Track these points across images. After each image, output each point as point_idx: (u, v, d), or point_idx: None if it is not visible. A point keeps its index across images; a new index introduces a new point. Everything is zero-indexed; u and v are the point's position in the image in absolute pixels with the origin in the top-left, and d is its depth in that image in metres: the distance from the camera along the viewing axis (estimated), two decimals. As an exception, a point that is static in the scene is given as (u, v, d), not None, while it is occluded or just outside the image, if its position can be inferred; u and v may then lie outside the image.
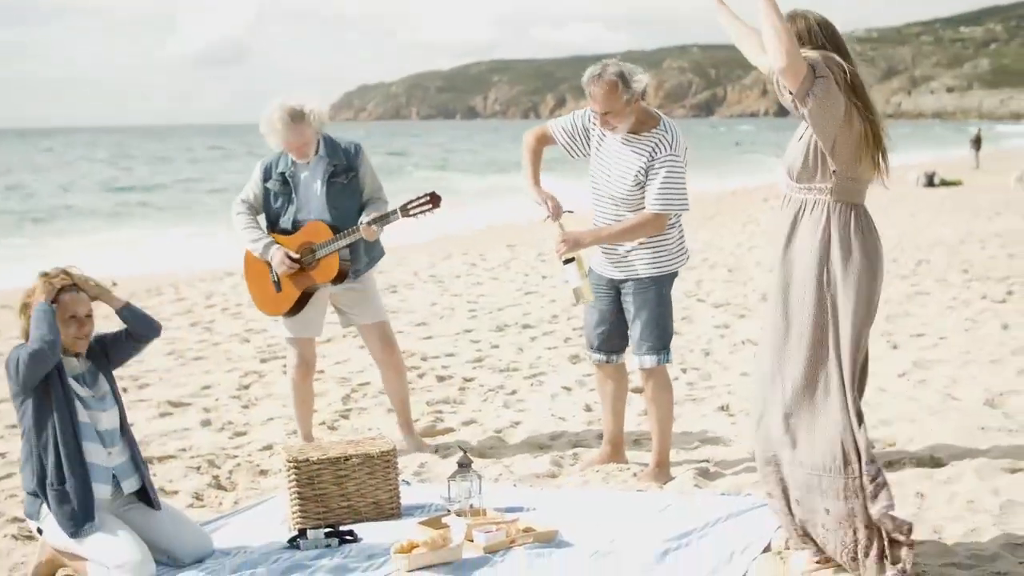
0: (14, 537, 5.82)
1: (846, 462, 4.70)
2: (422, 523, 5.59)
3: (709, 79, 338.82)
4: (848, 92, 4.72)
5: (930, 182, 33.41)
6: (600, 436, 7.44)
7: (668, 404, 6.65)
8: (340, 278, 7.07)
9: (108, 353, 5.42)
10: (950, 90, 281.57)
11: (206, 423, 8.16)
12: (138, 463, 5.36)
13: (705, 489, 6.34)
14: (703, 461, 6.91)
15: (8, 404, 8.65)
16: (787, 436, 4.79)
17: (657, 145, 6.31)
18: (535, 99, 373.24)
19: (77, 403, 5.13)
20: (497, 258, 18.20)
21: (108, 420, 5.24)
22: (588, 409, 8.24)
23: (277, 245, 7.05)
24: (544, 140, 6.72)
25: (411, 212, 6.97)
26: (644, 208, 6.33)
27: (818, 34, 4.78)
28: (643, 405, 8.11)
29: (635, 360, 6.57)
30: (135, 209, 33.61)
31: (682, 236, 6.54)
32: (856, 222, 4.80)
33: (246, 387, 9.32)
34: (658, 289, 6.47)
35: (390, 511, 5.93)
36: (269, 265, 7.12)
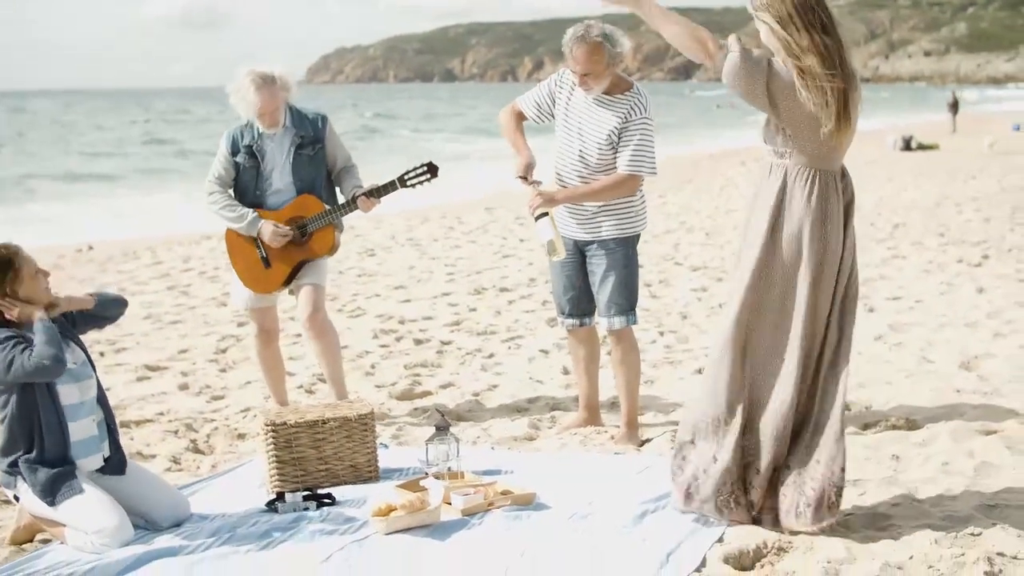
0: (-9, 502, 5.80)
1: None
2: (400, 486, 5.60)
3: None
4: (797, 68, 4.74)
5: (907, 146, 33.48)
6: (578, 399, 7.45)
7: (636, 365, 6.70)
8: (333, 251, 7.03)
9: (75, 321, 5.37)
10: (927, 54, 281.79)
11: (183, 387, 8.14)
12: (112, 427, 5.35)
13: (682, 452, 6.36)
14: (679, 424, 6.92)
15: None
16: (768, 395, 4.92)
17: (632, 107, 6.36)
18: (513, 62, 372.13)
19: (60, 384, 5.10)
20: (475, 221, 18.17)
21: (90, 388, 5.23)
22: (566, 372, 8.25)
23: (264, 220, 6.96)
24: (518, 116, 6.71)
25: (409, 183, 6.96)
26: (616, 169, 6.38)
27: None
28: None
29: (604, 322, 6.59)
30: (111, 172, 33.38)
31: (644, 199, 6.60)
32: (812, 187, 4.86)
33: (223, 351, 9.30)
34: (624, 251, 6.51)
35: (368, 474, 5.94)
36: (254, 242, 7.05)
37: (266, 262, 7.03)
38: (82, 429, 5.18)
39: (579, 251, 6.60)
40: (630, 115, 6.34)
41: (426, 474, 5.74)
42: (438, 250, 15.04)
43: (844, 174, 4.98)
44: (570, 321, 6.76)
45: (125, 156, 41.61)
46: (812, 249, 4.85)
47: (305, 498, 5.53)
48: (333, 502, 5.57)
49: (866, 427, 6.69)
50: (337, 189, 7.15)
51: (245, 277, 7.11)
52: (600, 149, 6.39)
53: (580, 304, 6.70)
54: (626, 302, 6.53)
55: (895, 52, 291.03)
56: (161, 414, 7.47)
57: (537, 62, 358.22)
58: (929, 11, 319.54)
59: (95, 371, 5.32)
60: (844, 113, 4.79)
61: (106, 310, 5.48)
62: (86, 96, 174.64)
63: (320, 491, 5.68)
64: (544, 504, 5.45)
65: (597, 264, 6.54)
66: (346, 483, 5.87)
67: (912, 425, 6.70)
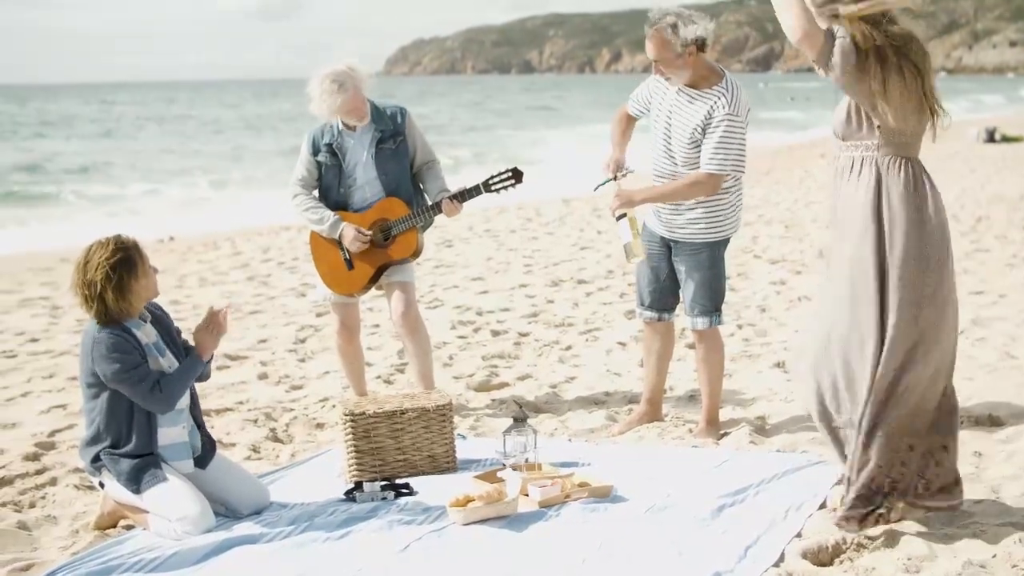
0: (76, 487, 5.89)
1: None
2: (477, 477, 5.62)
3: (766, 33, 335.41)
4: (884, 52, 4.67)
5: (991, 138, 32.97)
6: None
7: (719, 365, 6.63)
8: (417, 254, 7.05)
9: (170, 330, 5.44)
10: (1013, 44, 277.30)
11: (263, 376, 8.22)
12: (200, 423, 5.42)
13: (761, 446, 6.33)
14: (758, 418, 6.89)
15: (68, 357, 8.76)
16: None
17: (716, 103, 6.16)
18: (591, 53, 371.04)
19: None
20: (552, 213, 18.18)
21: (185, 398, 5.30)
22: (643, 365, 8.21)
23: (346, 223, 6.97)
24: (627, 116, 6.67)
25: (493, 187, 6.98)
26: (699, 167, 6.25)
27: None
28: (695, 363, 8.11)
29: (688, 321, 6.55)
30: (190, 165, 33.74)
31: (739, 201, 6.45)
32: (906, 175, 4.78)
33: (302, 341, 9.37)
34: (711, 252, 6.42)
35: (446, 465, 5.96)
36: (338, 243, 7.07)
37: (349, 264, 7.03)
38: (172, 435, 5.25)
39: (667, 245, 6.54)
40: (713, 111, 6.15)
41: (504, 465, 5.75)
42: (516, 242, 15.05)
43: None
44: (648, 314, 6.70)
45: (198, 152, 42.05)
46: (912, 238, 4.75)
47: (383, 488, 5.56)
48: (411, 492, 5.59)
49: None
50: (426, 197, 7.17)
51: (328, 279, 7.12)
52: (685, 146, 6.25)
53: (662, 298, 6.64)
54: (710, 303, 6.46)
55: (979, 42, 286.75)
56: (241, 403, 7.54)
57: (615, 53, 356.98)
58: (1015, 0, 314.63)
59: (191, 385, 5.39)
60: (921, 96, 4.74)
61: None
62: (161, 87, 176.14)
63: (398, 481, 5.71)
64: (621, 496, 5.44)
65: (682, 263, 6.47)
66: (424, 473, 5.90)
67: (995, 422, 6.61)
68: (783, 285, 11.29)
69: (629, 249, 6.29)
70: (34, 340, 9.63)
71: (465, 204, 7.00)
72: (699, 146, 6.21)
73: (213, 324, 5.32)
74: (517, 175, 7.01)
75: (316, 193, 7.13)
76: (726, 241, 6.48)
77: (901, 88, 4.70)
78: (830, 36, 4.69)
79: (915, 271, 4.74)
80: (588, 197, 19.40)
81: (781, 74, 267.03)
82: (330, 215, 6.98)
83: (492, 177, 7.02)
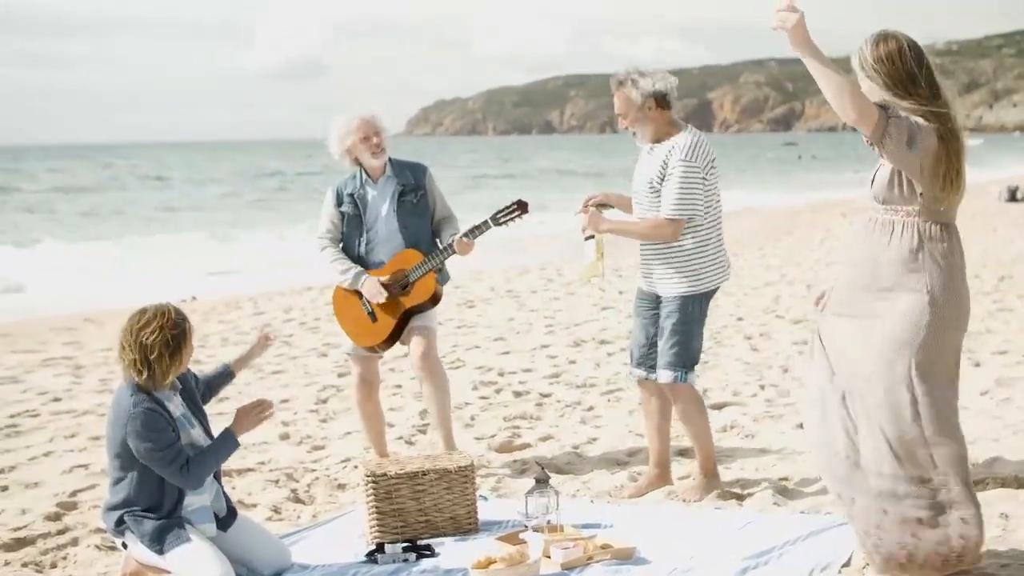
0: (97, 548, 5.89)
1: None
2: (499, 539, 5.59)
3: (786, 93, 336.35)
4: (936, 130, 4.74)
5: (1013, 197, 32.92)
6: (680, 452, 7.41)
7: (698, 420, 6.57)
8: (435, 299, 7.10)
9: (202, 392, 5.49)
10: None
11: (284, 437, 8.22)
12: (220, 485, 5.43)
13: (784, 507, 6.29)
14: (782, 479, 6.85)
15: (91, 416, 8.78)
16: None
17: (670, 151, 6.31)
18: (612, 113, 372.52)
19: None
20: (574, 273, 18.19)
21: None
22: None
23: (368, 275, 7.05)
24: None
25: (501, 221, 7.03)
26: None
27: (907, 57, 4.78)
28: (721, 421, 8.10)
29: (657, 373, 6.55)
30: (211, 226, 33.89)
31: (717, 254, 6.46)
32: (943, 239, 4.86)
33: (324, 401, 9.38)
34: (684, 306, 6.42)
35: (467, 526, 5.94)
36: (360, 298, 7.13)
37: (372, 316, 7.10)
38: (198, 501, 5.26)
39: (655, 303, 6.56)
40: (668, 158, 6.29)
41: (526, 527, 5.72)
42: (537, 302, 15.06)
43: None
44: (637, 372, 6.69)
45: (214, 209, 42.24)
46: (946, 304, 4.82)
47: (405, 549, 5.55)
48: (432, 554, 5.58)
49: (975, 484, 6.55)
50: (438, 241, 7.22)
51: (352, 333, 7.20)
52: (646, 195, 6.40)
53: (650, 356, 6.62)
54: (677, 358, 6.42)
55: (999, 101, 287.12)
56: (262, 463, 7.54)
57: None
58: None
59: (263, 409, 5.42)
60: (960, 172, 4.80)
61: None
62: (175, 148, 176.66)
63: (420, 542, 5.69)
64: (644, 559, 5.41)
65: (661, 317, 6.51)
66: (446, 535, 5.88)
67: (1021, 483, 6.56)
68: (805, 345, 11.23)
69: (588, 268, 6.49)
70: (57, 400, 9.65)
71: (476, 241, 7.07)
72: (658, 194, 6.34)
73: (259, 408, 5.34)
74: (522, 206, 7.07)
75: (341, 247, 7.21)
76: (704, 296, 6.46)
77: (947, 164, 4.76)
78: (883, 113, 4.73)
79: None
80: (610, 257, 19.39)
81: (803, 134, 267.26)
82: (354, 267, 7.09)
83: (499, 211, 7.08)
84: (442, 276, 7.23)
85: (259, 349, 5.88)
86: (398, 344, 7.24)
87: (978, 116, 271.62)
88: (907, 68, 4.77)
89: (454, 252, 7.01)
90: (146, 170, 77.55)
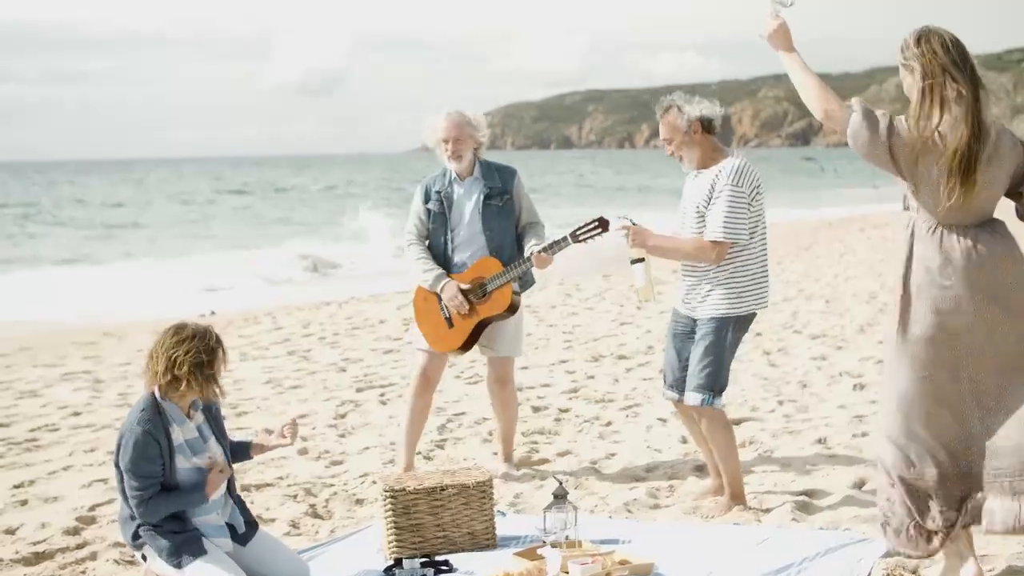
0: (116, 562, 5.90)
1: None
2: (517, 554, 5.58)
3: (805, 108, 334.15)
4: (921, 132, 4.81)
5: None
6: (698, 468, 7.41)
7: (725, 442, 6.57)
8: (512, 310, 7.14)
9: (221, 426, 5.47)
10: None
11: (303, 452, 8.23)
12: (238, 504, 5.41)
13: (803, 523, 6.27)
14: (801, 495, 6.83)
15: (110, 431, 8.81)
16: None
17: (717, 175, 6.35)
18: (630, 128, 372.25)
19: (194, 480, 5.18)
20: (592, 288, 18.19)
21: (222, 488, 5.29)
22: (684, 441, 8.18)
23: (449, 279, 7.12)
24: None
25: (580, 238, 7.04)
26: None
27: (950, 49, 4.86)
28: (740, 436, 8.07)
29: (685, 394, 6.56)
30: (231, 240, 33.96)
31: (758, 280, 6.48)
32: (936, 243, 4.90)
33: (343, 416, 9.39)
34: (719, 329, 6.42)
35: (485, 541, 5.93)
36: (439, 303, 7.20)
37: (449, 322, 7.19)
38: (207, 521, 5.23)
39: (691, 326, 6.57)
40: (716, 182, 6.33)
41: (544, 542, 5.71)
42: (555, 317, 15.06)
43: (983, 228, 4.95)
44: (670, 393, 6.73)
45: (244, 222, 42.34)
46: (932, 307, 4.89)
47: (423, 564, 5.54)
48: (450, 569, 5.57)
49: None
50: (522, 249, 7.31)
51: (430, 337, 7.29)
52: (692, 220, 6.42)
53: (682, 380, 6.63)
54: (705, 380, 6.44)
55: (1019, 115, 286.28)
56: (281, 478, 7.55)
57: (654, 129, 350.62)
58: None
59: (231, 466, 5.38)
60: (969, 173, 4.77)
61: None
62: (205, 162, 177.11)
63: (438, 558, 5.68)
64: (662, 574, 5.39)
65: (696, 339, 6.51)
66: (464, 550, 5.86)
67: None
68: (824, 361, 11.23)
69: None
70: (76, 414, 9.69)
71: (556, 256, 7.11)
72: (704, 219, 6.37)
73: (223, 469, 5.26)
74: (603, 224, 7.06)
75: (428, 244, 7.31)
76: (740, 321, 6.47)
77: (934, 177, 4.81)
78: (848, 110, 4.89)
79: None
80: (628, 272, 19.39)
81: (822, 148, 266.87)
82: (436, 269, 7.18)
83: (579, 228, 7.08)
84: (524, 282, 7.31)
85: (282, 441, 5.66)
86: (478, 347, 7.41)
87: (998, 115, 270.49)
88: (948, 60, 4.82)
89: (532, 265, 7.06)
90: (168, 186, 77.71)
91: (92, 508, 6.94)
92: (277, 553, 5.40)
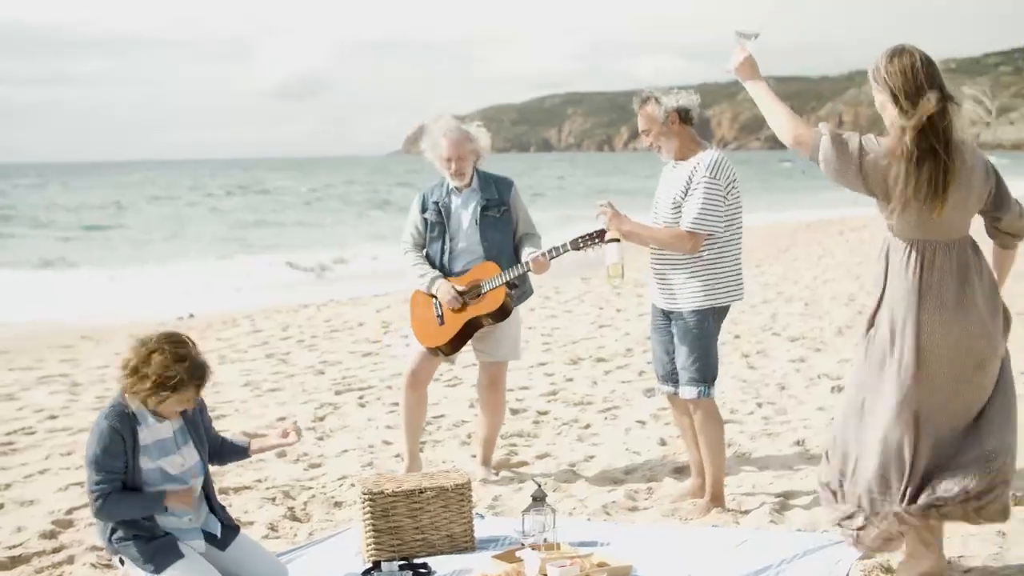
0: (93, 566, 5.88)
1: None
2: (496, 557, 5.59)
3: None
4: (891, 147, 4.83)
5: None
6: (676, 470, 7.42)
7: (716, 436, 6.61)
8: (504, 310, 7.16)
9: (207, 429, 5.42)
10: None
11: (281, 455, 8.20)
12: (214, 508, 5.38)
13: (781, 525, 6.29)
14: (779, 496, 6.84)
15: (87, 434, 8.77)
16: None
17: (695, 168, 6.40)
18: (610, 131, 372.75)
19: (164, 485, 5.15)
20: (571, 291, 18.19)
21: (194, 490, 5.25)
22: (662, 443, 8.19)
23: (444, 280, 7.18)
24: None
25: (580, 246, 7.04)
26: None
27: (919, 72, 4.84)
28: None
29: (680, 389, 6.57)
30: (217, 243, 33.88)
31: (733, 272, 6.52)
32: (905, 256, 4.95)
33: (321, 419, 9.37)
34: (700, 322, 6.46)
35: (464, 544, 5.93)
36: (434, 301, 7.24)
37: (440, 319, 7.23)
38: (176, 522, 5.20)
39: (668, 318, 6.60)
40: (693, 174, 6.38)
41: (522, 545, 5.71)
42: (534, 320, 15.05)
43: (953, 246, 4.96)
44: (666, 388, 6.76)
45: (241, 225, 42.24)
46: (909, 325, 4.91)
47: (401, 567, 5.54)
48: (429, 572, 5.56)
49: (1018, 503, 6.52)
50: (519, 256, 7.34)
51: (419, 333, 7.35)
52: (668, 211, 6.47)
53: (673, 373, 6.67)
54: (699, 373, 6.49)
55: (996, 119, 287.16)
56: (259, 481, 7.53)
57: (633, 131, 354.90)
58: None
59: (207, 470, 5.34)
60: (941, 190, 4.80)
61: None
62: (194, 165, 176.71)
63: (416, 560, 5.68)
64: (641, 577, 5.40)
65: (675, 332, 6.55)
66: (442, 553, 5.86)
67: (1018, 501, 6.53)
68: (802, 363, 11.25)
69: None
70: (53, 417, 9.64)
71: (553, 262, 7.16)
72: (680, 209, 6.41)
73: (187, 493, 5.22)
74: (602, 235, 7.06)
75: (425, 253, 7.37)
76: (717, 312, 6.51)
77: (909, 181, 4.82)
78: (816, 135, 4.93)
79: None
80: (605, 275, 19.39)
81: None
82: (432, 272, 7.25)
83: (579, 237, 7.08)
84: (523, 292, 7.37)
85: (284, 441, 5.68)
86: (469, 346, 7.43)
87: (975, 134, 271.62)
88: (916, 82, 4.82)
89: (530, 270, 7.09)
90: (151, 189, 77.43)
91: (69, 512, 6.91)
92: (255, 556, 5.39)
